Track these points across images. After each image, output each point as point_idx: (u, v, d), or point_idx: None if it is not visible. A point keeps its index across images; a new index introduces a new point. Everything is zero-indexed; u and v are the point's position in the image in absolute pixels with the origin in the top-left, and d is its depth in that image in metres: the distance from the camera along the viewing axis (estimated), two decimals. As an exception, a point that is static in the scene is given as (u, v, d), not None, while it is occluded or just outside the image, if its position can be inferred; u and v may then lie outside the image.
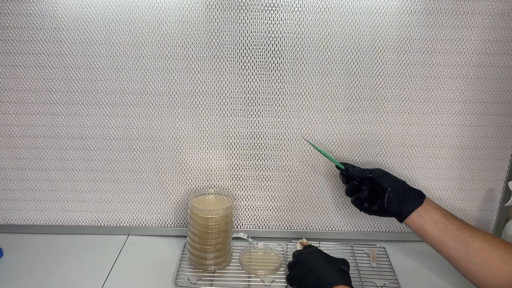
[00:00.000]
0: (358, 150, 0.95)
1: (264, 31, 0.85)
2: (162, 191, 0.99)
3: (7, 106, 0.91)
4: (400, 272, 0.90)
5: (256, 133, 0.94)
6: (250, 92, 0.90)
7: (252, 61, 0.88)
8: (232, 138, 0.94)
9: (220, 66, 0.88)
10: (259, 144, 0.95)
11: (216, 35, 0.85)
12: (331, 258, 0.77)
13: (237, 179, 0.98)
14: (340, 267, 0.73)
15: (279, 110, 0.92)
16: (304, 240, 0.94)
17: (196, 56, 0.87)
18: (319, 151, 0.86)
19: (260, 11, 0.84)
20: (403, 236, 1.02)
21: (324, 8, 0.83)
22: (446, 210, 0.78)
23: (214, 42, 0.86)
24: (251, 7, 0.83)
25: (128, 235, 1.02)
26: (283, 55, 0.87)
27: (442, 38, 0.86)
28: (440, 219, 0.75)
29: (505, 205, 0.98)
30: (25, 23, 0.84)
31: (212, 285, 0.85)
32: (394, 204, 0.78)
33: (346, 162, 0.88)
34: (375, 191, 0.81)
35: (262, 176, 0.97)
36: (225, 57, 0.87)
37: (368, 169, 0.82)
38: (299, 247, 0.93)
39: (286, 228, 1.02)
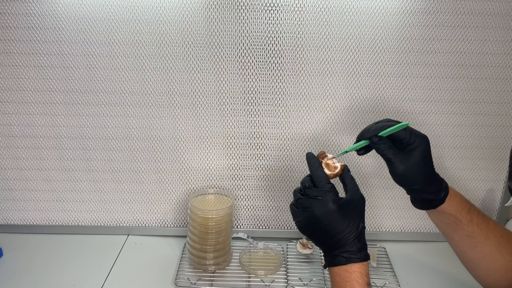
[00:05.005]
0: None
1: (264, 31, 0.85)
2: (162, 191, 0.99)
3: (7, 106, 0.91)
4: (400, 272, 0.90)
5: (256, 133, 0.94)
6: (249, 92, 0.90)
7: (252, 61, 0.88)
8: (232, 138, 0.94)
9: (220, 66, 0.88)
10: (259, 144, 0.95)
11: (216, 35, 0.85)
12: None
13: (237, 179, 0.98)
14: None
15: (279, 110, 0.92)
16: (304, 240, 0.94)
17: (196, 56, 0.87)
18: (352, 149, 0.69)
19: (260, 11, 0.84)
20: (403, 236, 1.02)
21: (324, 8, 0.83)
22: (467, 207, 0.67)
23: (214, 42, 0.86)
24: (251, 7, 0.83)
25: (128, 235, 1.02)
26: (283, 55, 0.87)
27: (442, 38, 0.86)
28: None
29: (505, 205, 0.98)
30: (25, 23, 0.84)
31: (212, 285, 0.85)
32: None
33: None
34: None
35: (262, 176, 0.97)
36: (225, 57, 0.87)
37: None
38: (299, 247, 0.93)
39: (286, 228, 1.02)
